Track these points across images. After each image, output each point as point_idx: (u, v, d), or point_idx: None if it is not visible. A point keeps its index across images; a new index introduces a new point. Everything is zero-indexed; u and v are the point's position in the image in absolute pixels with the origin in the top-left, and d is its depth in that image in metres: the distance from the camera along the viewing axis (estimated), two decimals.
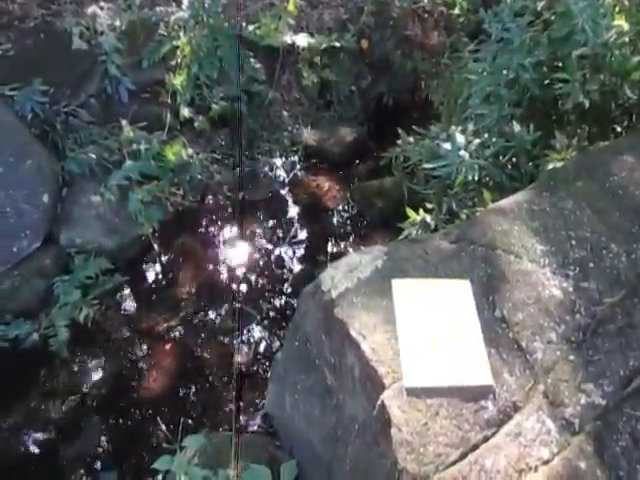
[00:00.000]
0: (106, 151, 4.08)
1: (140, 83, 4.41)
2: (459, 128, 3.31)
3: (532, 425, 1.74)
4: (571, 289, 2.02)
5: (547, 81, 3.05)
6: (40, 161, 3.73)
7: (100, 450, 3.06)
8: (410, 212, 3.17)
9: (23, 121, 3.78)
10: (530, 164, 3.04)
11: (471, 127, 3.25)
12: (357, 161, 4.86)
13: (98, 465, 3.01)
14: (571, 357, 1.88)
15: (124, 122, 4.03)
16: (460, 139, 3.08)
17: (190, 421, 3.14)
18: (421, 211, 3.16)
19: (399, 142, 3.90)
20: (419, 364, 1.83)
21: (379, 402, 1.82)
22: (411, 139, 3.83)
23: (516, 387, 1.83)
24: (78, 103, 4.17)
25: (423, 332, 1.90)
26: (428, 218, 3.16)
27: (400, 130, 3.90)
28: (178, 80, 4.44)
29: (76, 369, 3.43)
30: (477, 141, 3.12)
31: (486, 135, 3.24)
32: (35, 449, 3.07)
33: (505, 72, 3.12)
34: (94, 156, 3.99)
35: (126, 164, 3.94)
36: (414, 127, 3.70)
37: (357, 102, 5.11)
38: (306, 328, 2.42)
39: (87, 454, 3.06)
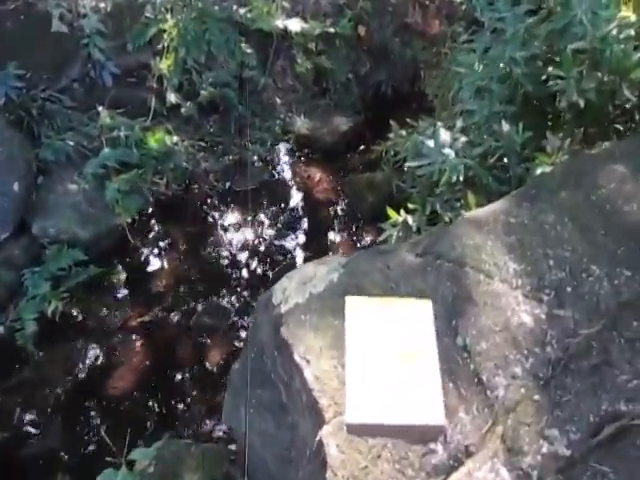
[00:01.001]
0: (85, 138, 3.89)
1: (125, 67, 4.21)
2: (446, 124, 3.06)
3: (484, 475, 1.52)
4: (543, 316, 1.78)
5: (544, 77, 2.77)
6: (12, 148, 3.55)
7: (49, 455, 2.89)
8: (391, 212, 2.94)
9: None
10: (521, 166, 2.77)
11: (459, 124, 2.99)
12: (351, 152, 4.60)
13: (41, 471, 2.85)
14: (536, 396, 1.64)
15: (100, 108, 3.82)
16: (445, 136, 2.83)
17: (151, 426, 2.97)
18: (402, 212, 2.92)
19: (391, 135, 3.67)
20: (364, 397, 1.61)
21: (317, 438, 1.61)
22: (403, 132, 3.58)
23: (471, 428, 1.60)
24: (59, 87, 3.98)
25: (373, 360, 1.67)
26: (410, 219, 2.92)
27: (392, 122, 3.65)
28: (165, 64, 4.22)
29: (41, 365, 3.27)
30: (464, 139, 2.86)
31: (475, 133, 2.98)
32: None
33: (498, 66, 2.84)
34: (72, 143, 3.81)
35: (103, 151, 3.75)
36: (408, 120, 3.45)
37: (354, 90, 4.83)
38: (262, 338, 2.21)
39: (35, 456, 2.89)
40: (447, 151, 2.81)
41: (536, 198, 2.09)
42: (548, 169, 2.44)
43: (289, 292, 1.87)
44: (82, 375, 3.24)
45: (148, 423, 3.01)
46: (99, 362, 3.29)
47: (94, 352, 3.33)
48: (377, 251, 1.99)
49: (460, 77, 3.03)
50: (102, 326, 3.45)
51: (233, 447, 2.65)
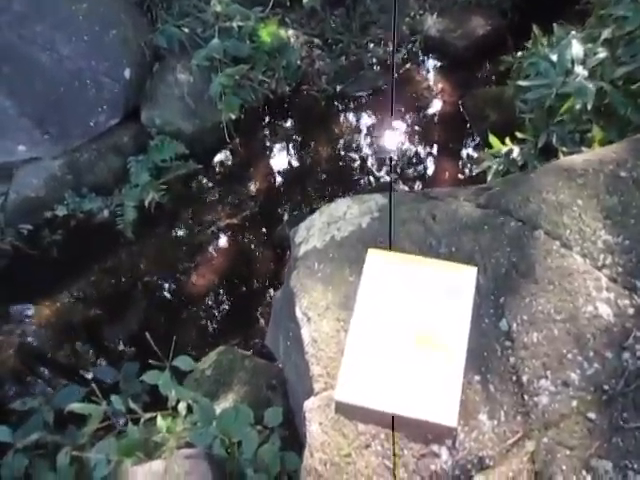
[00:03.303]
0: (201, 25, 3.64)
1: None
2: (590, 35, 2.35)
3: None
4: (631, 311, 1.28)
5: None
6: (126, 32, 3.42)
7: (131, 338, 2.97)
8: (494, 140, 2.39)
9: None
10: None
11: (606, 34, 2.28)
12: (485, 60, 3.89)
13: (125, 352, 2.93)
14: (591, 414, 1.21)
15: None
16: (578, 50, 2.16)
17: (212, 330, 2.92)
18: (508, 141, 2.36)
19: (528, 44, 2.97)
20: (362, 374, 1.28)
21: (303, 410, 1.33)
22: (544, 41, 2.87)
23: (492, 437, 1.22)
24: None
25: (384, 331, 1.33)
26: (516, 151, 2.36)
27: (535, 27, 2.93)
28: None
29: (134, 253, 3.31)
30: (604, 55, 2.17)
31: (624, 48, 2.25)
32: (76, 322, 3.06)
33: None
34: (187, 30, 3.59)
35: (212, 42, 3.48)
36: (558, 23, 2.72)
37: None
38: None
39: (120, 338, 2.99)
40: (578, 70, 2.16)
41: None
42: None
43: (313, 231, 1.53)
44: (167, 269, 3.23)
45: (210, 327, 2.95)
46: (184, 259, 3.25)
47: (181, 248, 3.30)
48: (424, 195, 1.55)
49: None
50: (192, 223, 3.39)
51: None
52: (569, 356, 1.26)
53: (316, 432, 1.27)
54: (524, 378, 1.26)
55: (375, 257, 1.40)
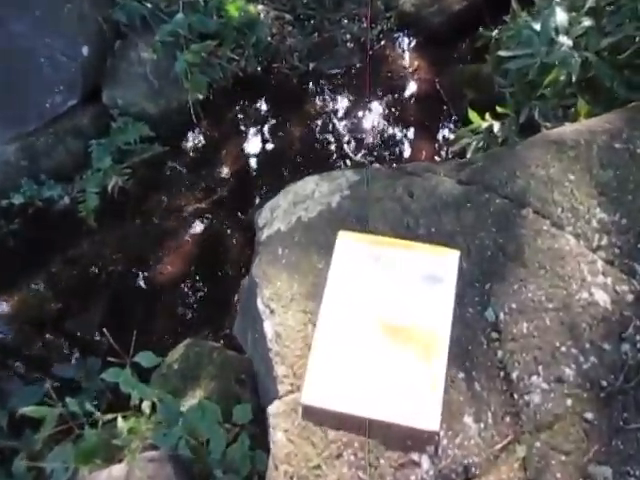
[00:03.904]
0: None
1: None
2: (573, 3, 2.19)
3: None
4: (630, 297, 1.14)
5: None
6: (82, 7, 3.16)
7: (94, 333, 2.77)
8: (473, 116, 2.24)
9: None
10: None
11: (590, 2, 2.12)
12: (461, 37, 3.71)
13: (88, 348, 2.73)
14: (588, 414, 1.06)
15: None
16: (562, 18, 2.01)
17: (191, 320, 2.74)
18: (488, 116, 2.21)
19: (507, 17, 2.81)
20: (332, 374, 1.12)
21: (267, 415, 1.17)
22: (524, 14, 2.71)
23: (479, 442, 1.08)
24: None
25: (357, 323, 1.16)
26: (497, 127, 2.21)
27: (514, 1, 2.77)
28: None
29: (97, 241, 3.10)
30: (589, 23, 2.02)
31: (610, 17, 2.10)
32: (35, 316, 2.86)
33: None
34: (149, 5, 3.35)
35: (176, 17, 3.25)
36: None
37: None
38: None
39: (82, 333, 2.79)
40: (562, 39, 2.01)
41: None
42: None
43: (278, 213, 1.36)
44: (133, 258, 3.02)
45: (179, 317, 2.77)
46: (151, 246, 3.05)
47: (147, 235, 3.09)
48: (400, 170, 1.38)
49: None
50: (159, 209, 3.18)
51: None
52: (563, 349, 1.12)
53: (281, 441, 1.11)
54: (513, 374, 1.12)
55: (346, 240, 1.24)
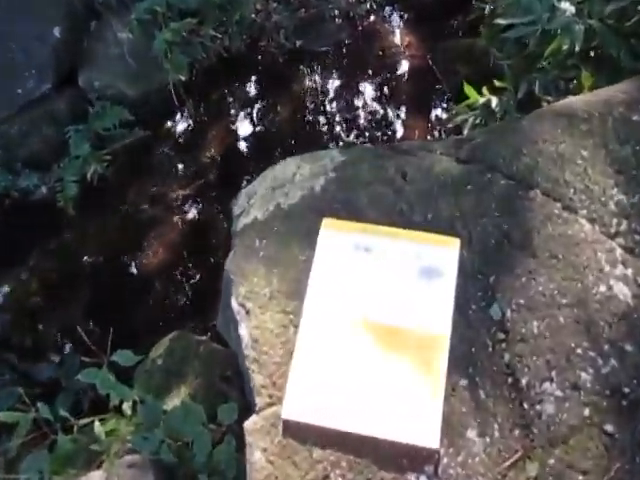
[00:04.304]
0: None
1: None
2: None
3: None
4: None
5: None
6: None
7: (74, 329, 2.62)
8: (470, 91, 2.07)
9: None
10: None
11: None
12: (454, 11, 3.53)
13: (68, 345, 2.60)
14: (608, 427, 0.92)
15: None
16: None
17: (177, 312, 2.61)
18: (485, 91, 2.05)
19: None
20: (316, 385, 0.98)
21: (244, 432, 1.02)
22: None
23: (485, 459, 0.94)
24: None
25: (345, 325, 1.01)
26: (494, 102, 2.05)
27: None
28: None
29: (78, 232, 2.94)
30: None
31: None
32: (12, 312, 2.71)
33: None
34: None
35: None
36: None
37: None
38: None
39: (62, 329, 2.65)
40: (564, 5, 1.84)
41: None
42: None
43: (254, 200, 1.20)
44: (115, 248, 2.87)
45: (164, 310, 2.64)
46: (133, 236, 2.90)
47: (129, 224, 2.93)
48: (392, 149, 1.22)
49: None
50: (140, 196, 3.02)
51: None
52: (578, 351, 0.97)
53: (259, 462, 0.96)
54: (522, 381, 0.97)
55: (331, 229, 1.08)
